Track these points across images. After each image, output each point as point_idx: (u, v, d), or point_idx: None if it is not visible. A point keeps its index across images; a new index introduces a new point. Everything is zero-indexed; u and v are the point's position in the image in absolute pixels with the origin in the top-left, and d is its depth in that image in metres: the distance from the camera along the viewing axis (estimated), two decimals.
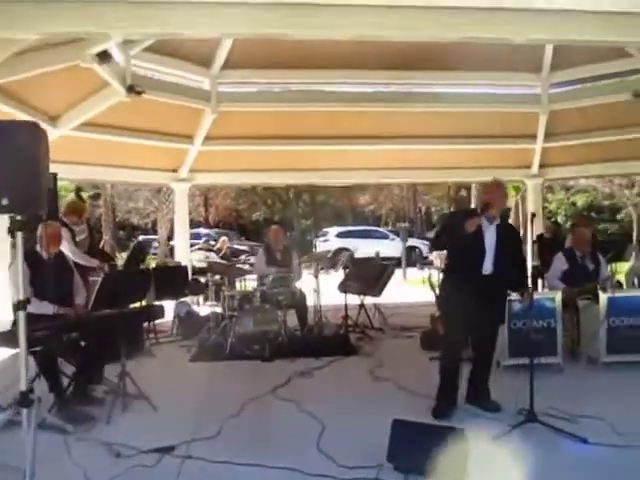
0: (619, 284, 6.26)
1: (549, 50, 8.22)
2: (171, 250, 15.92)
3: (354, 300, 7.10)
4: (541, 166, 10.44)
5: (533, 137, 9.80)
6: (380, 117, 9.27)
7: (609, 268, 6.03)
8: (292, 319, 6.60)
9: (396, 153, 10.27)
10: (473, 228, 3.83)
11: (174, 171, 9.96)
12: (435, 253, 18.13)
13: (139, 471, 3.14)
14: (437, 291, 4.71)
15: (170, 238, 19.51)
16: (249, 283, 7.21)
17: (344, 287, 6.96)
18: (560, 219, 25.86)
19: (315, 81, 8.95)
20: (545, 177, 10.77)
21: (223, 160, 10.01)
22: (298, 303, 6.39)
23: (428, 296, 9.76)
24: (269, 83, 8.73)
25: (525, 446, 3.42)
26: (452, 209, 28.72)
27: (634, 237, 21.81)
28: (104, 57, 6.14)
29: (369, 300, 7.22)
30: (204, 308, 7.20)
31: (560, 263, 5.75)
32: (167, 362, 5.75)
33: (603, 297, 4.97)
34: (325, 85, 9.16)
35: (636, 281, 5.92)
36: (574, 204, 27.09)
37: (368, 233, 21.43)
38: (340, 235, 20.28)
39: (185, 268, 7.39)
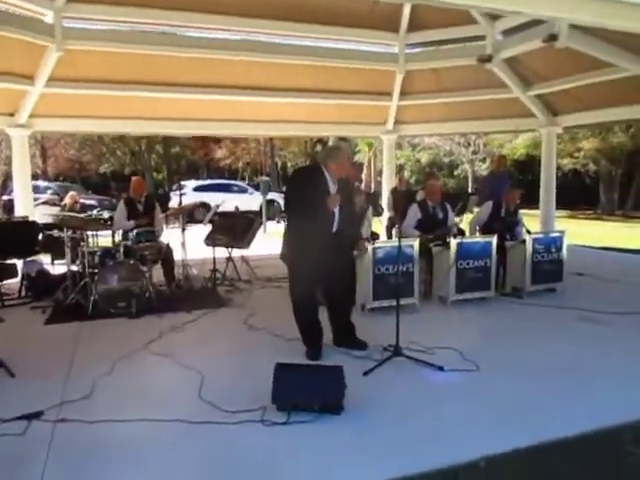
0: (462, 232, 6.98)
1: (406, 11, 8.61)
2: (5, 206, 14.32)
3: (221, 253, 7.05)
4: (395, 123, 11.06)
5: (389, 95, 10.30)
6: (238, 67, 9.01)
7: (456, 218, 6.72)
8: (158, 274, 6.39)
9: (253, 105, 10.13)
10: (336, 206, 4.04)
11: (10, 115, 8.83)
12: None
13: (6, 440, 2.90)
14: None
15: (2, 192, 17.46)
16: (102, 239, 6.79)
17: (212, 240, 6.85)
18: (406, 174, 27.78)
19: (173, 24, 8.39)
20: (399, 133, 11.44)
21: (69, 105, 9.07)
22: (165, 258, 6.17)
23: None
24: (123, 22, 7.98)
25: (393, 377, 3.77)
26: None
27: (469, 191, 24.23)
28: None
29: (236, 253, 7.22)
30: (58, 267, 6.62)
31: (414, 213, 6.27)
32: (19, 326, 5.23)
33: (453, 242, 5.53)
34: (184, 29, 8.64)
35: (477, 229, 6.62)
36: (419, 160, 29.23)
37: (227, 187, 21.07)
38: (198, 189, 19.68)
39: (34, 223, 6.69)
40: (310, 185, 4.08)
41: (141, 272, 5.63)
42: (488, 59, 8.57)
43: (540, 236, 6.16)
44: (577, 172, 25.83)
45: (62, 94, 8.66)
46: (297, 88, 9.84)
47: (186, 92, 9.27)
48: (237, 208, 16.04)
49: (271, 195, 18.35)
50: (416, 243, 5.42)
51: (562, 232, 6.24)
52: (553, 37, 7.22)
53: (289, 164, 36.18)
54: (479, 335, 4.79)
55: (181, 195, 7.10)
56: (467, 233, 6.82)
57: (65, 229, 5.93)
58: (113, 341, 4.66)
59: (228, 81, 9.31)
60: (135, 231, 5.74)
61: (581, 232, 12.94)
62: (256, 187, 21.73)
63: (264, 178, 18.87)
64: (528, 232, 6.08)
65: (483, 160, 26.50)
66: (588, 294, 6.22)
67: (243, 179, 31.76)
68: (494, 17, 8.42)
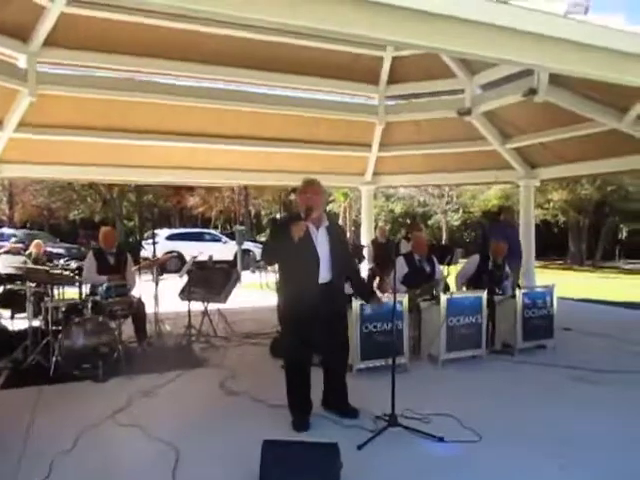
0: (447, 287, 6.77)
1: (387, 64, 8.67)
2: None
3: (196, 306, 6.65)
4: (374, 174, 11.00)
5: (368, 145, 10.27)
6: (212, 115, 8.89)
7: (444, 270, 6.51)
8: (128, 329, 5.92)
9: (228, 154, 9.97)
10: (301, 233, 3.62)
11: None
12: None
13: None
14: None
15: None
16: (69, 291, 6.37)
17: (187, 294, 6.45)
18: (380, 224, 27.87)
19: (148, 71, 8.21)
20: (378, 184, 11.37)
21: (39, 151, 8.76)
22: (136, 313, 5.74)
23: (266, 300, 9.69)
24: (98, 68, 7.77)
25: (389, 451, 3.42)
26: (279, 214, 29.15)
27: (443, 241, 24.39)
28: None
29: (212, 306, 6.84)
30: (17, 321, 6.14)
31: (400, 266, 6.03)
32: None
33: (443, 298, 5.29)
34: (159, 76, 8.48)
35: (463, 282, 6.42)
36: (392, 211, 29.46)
37: (200, 236, 20.69)
38: (170, 237, 19.24)
39: None
40: (283, 234, 3.70)
41: (110, 330, 5.20)
42: (467, 112, 8.66)
43: (530, 291, 5.98)
44: (546, 222, 26.35)
45: (32, 140, 8.34)
46: (274, 138, 9.73)
47: (160, 140, 9.08)
48: (211, 258, 15.60)
49: (246, 244, 18.05)
50: (405, 299, 5.16)
51: (552, 286, 6.07)
52: (533, 91, 7.34)
53: (263, 212, 36.04)
54: (476, 399, 4.47)
55: (154, 244, 6.70)
56: (453, 287, 6.62)
57: (27, 282, 5.49)
58: (76, 409, 4.19)
59: (203, 129, 9.16)
60: (105, 285, 5.33)
61: (557, 283, 12.91)
62: (229, 236, 21.46)
63: (239, 227, 18.60)
64: (518, 286, 5.89)
65: (456, 211, 26.84)
66: (578, 351, 6.00)
67: (216, 227, 31.39)
68: (472, 71, 8.55)
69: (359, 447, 3.42)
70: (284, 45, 8.07)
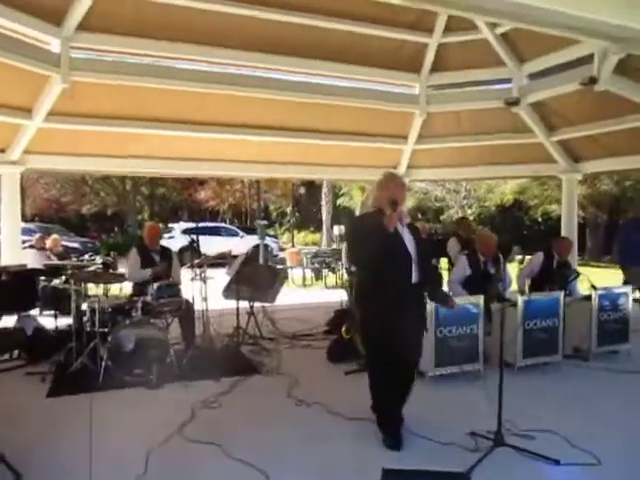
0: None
1: (431, 51, 8.23)
2: None
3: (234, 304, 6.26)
4: (408, 167, 10.55)
5: (403, 137, 9.82)
6: (243, 104, 8.42)
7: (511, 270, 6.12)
8: (173, 329, 5.54)
9: (257, 145, 9.49)
10: (394, 224, 3.32)
11: (1, 151, 8.05)
12: (288, 252, 17.88)
13: None
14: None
15: None
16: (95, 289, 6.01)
17: (234, 293, 6.06)
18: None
19: (176, 56, 7.74)
20: (411, 178, 10.91)
21: (67, 142, 8.35)
22: (184, 315, 5.37)
23: (300, 296, 9.33)
24: (133, 54, 7.36)
25: (502, 476, 3.07)
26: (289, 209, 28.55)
27: None
28: None
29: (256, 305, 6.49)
30: (48, 319, 5.77)
31: (462, 268, 5.64)
32: (13, 398, 4.36)
33: (520, 300, 4.92)
34: (188, 63, 8.02)
35: (528, 282, 6.03)
36: None
37: (217, 230, 20.33)
38: (186, 232, 18.83)
39: (35, 272, 5.87)
40: (369, 231, 3.35)
41: (161, 332, 4.85)
42: (516, 102, 8.23)
43: (606, 292, 5.57)
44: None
45: (59, 129, 7.94)
46: (304, 128, 9.28)
47: (196, 131, 8.66)
48: (230, 252, 15.24)
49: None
50: (480, 300, 4.79)
51: (628, 287, 5.68)
52: (593, 80, 6.90)
53: (272, 207, 35.53)
54: (569, 412, 4.10)
55: (198, 241, 6.21)
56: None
57: (70, 280, 5.12)
58: (137, 421, 3.84)
59: (230, 119, 8.71)
60: (156, 285, 4.95)
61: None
62: (244, 230, 21.17)
63: (261, 222, 18.22)
64: (593, 287, 5.49)
65: (470, 206, 26.32)
66: None
67: (223, 221, 30.90)
68: (522, 59, 8.12)
69: (468, 472, 3.05)
70: (322, 30, 7.66)
